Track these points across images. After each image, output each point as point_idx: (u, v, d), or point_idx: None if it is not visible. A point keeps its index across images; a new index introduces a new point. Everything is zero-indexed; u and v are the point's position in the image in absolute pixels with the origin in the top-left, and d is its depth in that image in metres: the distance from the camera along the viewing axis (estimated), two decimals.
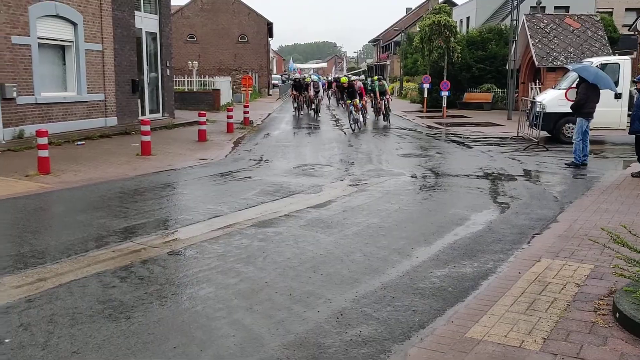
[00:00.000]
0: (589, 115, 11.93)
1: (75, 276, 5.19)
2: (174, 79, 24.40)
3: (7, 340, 3.91)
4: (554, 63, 24.13)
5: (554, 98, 16.17)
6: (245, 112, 21.40)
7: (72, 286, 4.95)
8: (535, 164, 12.38)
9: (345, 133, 19.11)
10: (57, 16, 15.07)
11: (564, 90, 15.86)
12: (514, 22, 25.53)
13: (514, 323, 4.13)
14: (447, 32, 28.73)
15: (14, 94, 13.47)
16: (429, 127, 22.07)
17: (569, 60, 23.13)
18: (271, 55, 65.94)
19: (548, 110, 15.41)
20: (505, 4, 38.52)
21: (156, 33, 20.84)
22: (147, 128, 13.04)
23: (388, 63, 67.70)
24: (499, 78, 30.74)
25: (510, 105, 25.23)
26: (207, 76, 32.20)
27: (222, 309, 4.50)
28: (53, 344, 3.88)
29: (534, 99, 18.36)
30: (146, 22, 20.04)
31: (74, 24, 15.71)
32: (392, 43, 64.70)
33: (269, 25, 53.73)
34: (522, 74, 27.73)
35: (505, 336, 3.92)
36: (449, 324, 4.19)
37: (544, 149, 14.73)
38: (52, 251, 5.96)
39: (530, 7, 29.59)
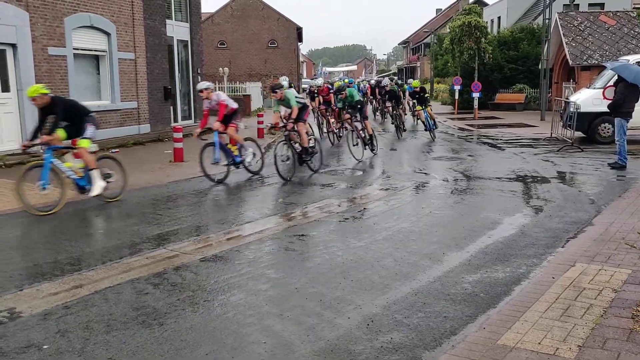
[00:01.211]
0: (627, 115, 11.64)
1: (110, 283, 5.29)
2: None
3: (45, 347, 4.02)
4: (589, 62, 23.64)
5: (588, 97, 15.83)
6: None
7: (107, 293, 5.05)
8: (569, 166, 12.14)
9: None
10: (91, 27, 15.42)
11: (599, 90, 15.52)
12: (547, 20, 25.12)
13: (548, 330, 4.05)
14: (478, 33, 28.42)
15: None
16: (461, 129, 21.85)
17: (604, 59, 22.63)
18: (301, 59, 66.25)
19: (583, 110, 15.09)
20: (537, 3, 37.94)
21: (187, 40, 21.13)
22: (180, 135, 13.24)
23: (418, 65, 67.33)
24: (532, 78, 30.27)
25: (543, 106, 24.81)
26: (237, 82, 32.56)
27: (253, 315, 4.54)
28: (89, 350, 3.96)
29: (567, 98, 18.02)
30: (177, 30, 20.35)
31: (108, 34, 16.05)
32: (422, 45, 64.33)
33: (299, 30, 53.99)
34: (556, 73, 27.24)
35: (539, 343, 3.85)
36: (481, 331, 4.13)
37: (579, 150, 14.43)
38: (88, 258, 6.09)
39: (564, 4, 29.10)
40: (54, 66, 14.10)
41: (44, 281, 5.37)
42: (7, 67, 12.97)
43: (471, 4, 36.23)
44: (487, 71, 30.38)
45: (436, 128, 18.83)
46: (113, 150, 14.49)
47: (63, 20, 14.33)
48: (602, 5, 33.15)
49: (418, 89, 19.56)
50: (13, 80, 13.04)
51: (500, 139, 17.74)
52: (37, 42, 13.55)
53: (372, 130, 14.47)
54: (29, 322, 4.44)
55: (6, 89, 12.94)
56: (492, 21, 42.27)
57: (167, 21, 19.25)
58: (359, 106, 14.52)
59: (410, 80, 25.26)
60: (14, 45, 12.97)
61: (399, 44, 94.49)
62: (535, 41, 30.72)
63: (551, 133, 17.03)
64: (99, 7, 15.62)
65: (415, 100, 19.95)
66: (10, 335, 4.21)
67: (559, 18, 25.38)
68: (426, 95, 19.64)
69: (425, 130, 18.59)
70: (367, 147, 14.06)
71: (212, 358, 3.85)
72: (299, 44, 56.55)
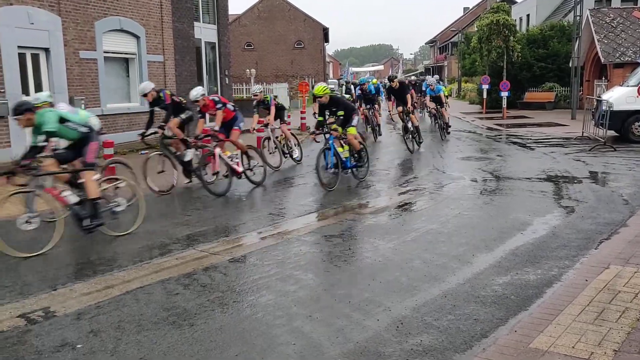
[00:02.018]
0: None
1: (140, 283, 5.36)
2: (233, 87, 24.91)
3: (79, 346, 4.09)
4: (622, 59, 23.16)
5: (622, 95, 15.50)
6: (302, 118, 21.57)
7: (138, 293, 5.12)
8: (602, 165, 11.90)
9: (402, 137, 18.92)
10: (121, 30, 15.67)
11: (633, 87, 15.19)
12: (578, 17, 24.68)
13: (582, 333, 3.98)
14: (506, 31, 28.05)
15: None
16: (489, 128, 21.60)
17: (638, 56, 22.14)
18: (327, 59, 66.26)
19: (615, 108, 14.78)
20: (567, 0, 37.30)
21: (215, 43, 21.33)
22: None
23: (445, 64, 66.78)
24: (562, 76, 29.74)
25: (574, 104, 24.36)
26: (264, 83, 32.69)
27: (282, 316, 4.55)
28: (121, 350, 4.02)
29: (599, 96, 17.66)
30: (205, 32, 20.54)
31: (137, 37, 16.29)
32: (450, 44, 63.78)
33: (325, 31, 54.05)
34: (587, 71, 26.75)
35: (573, 347, 3.78)
36: (512, 334, 4.08)
37: (612, 149, 14.14)
38: (119, 259, 6.18)
39: (595, 1, 28.55)
40: (85, 69, 14.37)
41: (77, 281, 5.47)
42: (41, 71, 13.26)
43: (499, 2, 35.75)
44: (515, 70, 29.96)
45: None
46: (142, 152, 14.67)
47: (94, 24, 14.59)
48: (635, 0, 32.40)
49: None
50: (46, 84, 13.33)
51: (530, 139, 17.48)
52: (69, 46, 13.82)
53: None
54: (62, 322, 4.52)
55: (39, 92, 13.21)
56: (520, 19, 41.64)
57: (195, 23, 19.45)
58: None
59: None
60: (47, 50, 13.25)
61: (425, 43, 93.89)
62: (565, 39, 30.19)
63: (582, 132, 16.71)
64: (129, 11, 15.87)
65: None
66: (45, 334, 4.29)
67: (591, 15, 24.92)
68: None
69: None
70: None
71: (241, 359, 3.87)
72: (325, 44, 56.63)
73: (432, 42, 78.61)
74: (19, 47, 12.43)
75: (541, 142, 16.59)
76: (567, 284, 5.08)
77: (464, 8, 72.43)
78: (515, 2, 47.46)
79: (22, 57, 12.64)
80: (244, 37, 51.43)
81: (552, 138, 17.58)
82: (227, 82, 21.99)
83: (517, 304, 4.68)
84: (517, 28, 31.79)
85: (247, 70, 32.96)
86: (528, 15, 41.54)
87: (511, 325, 4.27)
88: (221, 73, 21.60)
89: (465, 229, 7.12)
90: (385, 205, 8.74)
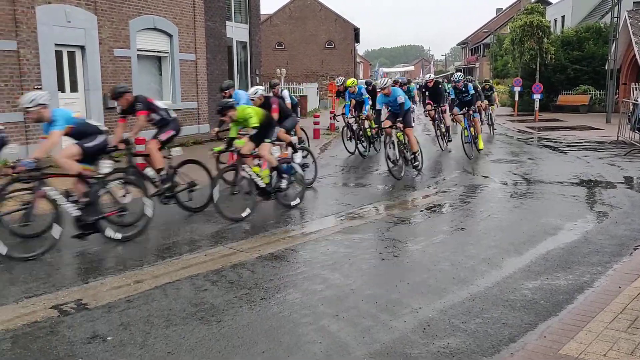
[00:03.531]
0: None
1: (169, 279, 5.43)
2: (263, 86, 25.03)
3: (109, 338, 4.17)
4: None
5: None
6: (331, 118, 21.58)
7: (166, 288, 5.19)
8: (637, 170, 11.63)
9: (433, 138, 18.79)
10: (154, 29, 15.89)
11: None
12: (615, 19, 24.16)
13: (614, 341, 3.90)
14: (540, 33, 27.59)
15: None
16: (520, 131, 21.28)
17: None
18: (357, 60, 66.16)
19: None
20: (604, 1, 36.54)
21: (246, 42, 21.48)
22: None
23: (477, 66, 66.03)
24: (597, 79, 29.15)
25: (609, 108, 23.87)
26: (294, 83, 32.81)
27: (309, 315, 4.56)
28: (150, 343, 4.08)
29: (637, 100, 17.27)
30: (237, 31, 20.70)
31: (170, 36, 16.50)
32: (481, 45, 63.07)
33: (356, 31, 53.99)
34: (623, 74, 26.16)
35: (604, 355, 3.71)
36: (541, 339, 4.02)
37: None
38: (149, 254, 6.28)
39: (633, 2, 27.92)
40: (119, 67, 14.61)
41: (108, 275, 5.57)
42: (76, 68, 13.53)
43: (533, 3, 35.21)
44: (549, 72, 29.46)
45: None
46: (174, 149, 14.85)
47: (128, 23, 14.82)
48: None
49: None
50: (81, 81, 13.60)
51: (562, 142, 17.18)
52: (104, 44, 14.07)
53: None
54: (94, 314, 4.61)
55: (74, 89, 13.49)
56: (555, 20, 40.95)
57: (227, 23, 19.62)
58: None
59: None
60: (82, 47, 13.51)
61: (457, 45, 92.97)
62: (601, 41, 29.57)
63: (617, 136, 16.37)
64: (162, 10, 16.09)
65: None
66: (77, 326, 4.38)
67: (629, 16, 24.35)
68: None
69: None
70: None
71: (268, 356, 3.90)
72: (356, 44, 56.52)
73: (463, 43, 77.85)
74: (56, 44, 12.70)
75: (574, 145, 16.29)
76: (600, 290, 4.98)
77: (496, 9, 71.58)
78: (550, 4, 46.74)
79: (58, 55, 12.92)
80: (275, 37, 51.68)
81: (585, 142, 17.25)
82: (257, 82, 22.12)
83: (547, 309, 4.61)
84: (552, 30, 31.23)
85: (278, 69, 33.11)
86: (563, 17, 40.84)
87: (540, 330, 4.21)
88: (252, 72, 21.74)
89: (495, 232, 7.04)
90: (413, 206, 8.69)
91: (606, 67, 25.31)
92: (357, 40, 56.18)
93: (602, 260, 5.84)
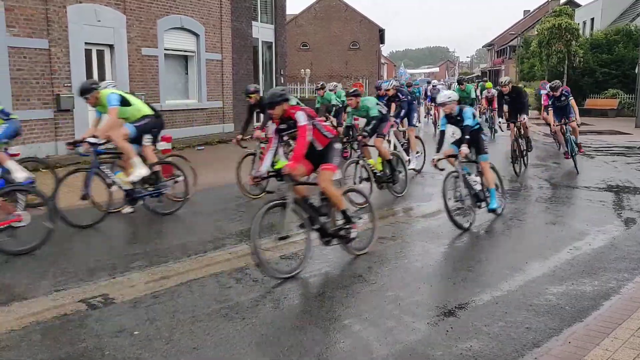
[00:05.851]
0: None
1: (195, 275, 5.51)
2: (288, 87, 25.19)
3: (136, 332, 4.25)
4: None
5: None
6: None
7: (192, 285, 5.27)
8: None
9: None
10: (181, 28, 16.10)
11: None
12: None
13: None
14: (569, 35, 27.26)
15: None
16: (546, 134, 21.02)
17: None
18: (382, 61, 66.02)
19: None
20: (635, 3, 35.92)
21: (271, 42, 21.61)
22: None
23: (502, 68, 65.36)
24: (627, 83, 28.64)
25: (638, 112, 23.45)
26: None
27: (331, 313, 4.59)
28: (176, 339, 4.15)
29: None
30: (262, 32, 20.84)
31: (197, 35, 16.69)
32: (508, 47, 62.42)
33: (381, 32, 53.86)
34: None
35: None
36: (566, 345, 3.99)
37: None
38: (174, 251, 6.36)
39: None
40: (146, 66, 14.82)
41: (134, 271, 5.67)
42: (105, 67, 13.77)
43: (562, 5, 34.82)
44: (576, 75, 29.07)
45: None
46: (199, 148, 15.04)
47: (156, 22, 15.04)
48: None
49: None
50: (109, 79, 13.80)
51: (590, 147, 16.93)
52: (132, 43, 14.29)
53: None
54: (121, 309, 4.71)
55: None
56: (584, 23, 40.33)
57: (253, 23, 19.77)
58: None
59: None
60: (111, 46, 13.75)
61: (482, 47, 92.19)
62: (632, 44, 29.07)
63: None
64: (190, 9, 16.27)
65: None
66: (104, 320, 4.48)
67: None
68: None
69: None
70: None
71: (291, 353, 3.93)
72: (381, 45, 56.38)
73: (489, 45, 77.18)
74: (85, 43, 12.95)
75: (602, 150, 16.06)
76: (626, 297, 4.93)
77: (524, 11, 70.79)
78: (579, 6, 46.08)
79: (88, 53, 13.16)
80: (299, 37, 51.79)
81: (613, 146, 16.99)
82: (282, 82, 22.24)
83: (571, 315, 4.57)
84: (580, 32, 30.81)
85: (302, 70, 33.24)
86: (592, 19, 40.20)
87: (565, 336, 4.18)
88: (277, 72, 21.87)
89: (518, 236, 6.98)
90: (436, 209, 8.65)
91: (636, 71, 24.87)
92: (382, 41, 56.02)
93: (629, 267, 5.77)
